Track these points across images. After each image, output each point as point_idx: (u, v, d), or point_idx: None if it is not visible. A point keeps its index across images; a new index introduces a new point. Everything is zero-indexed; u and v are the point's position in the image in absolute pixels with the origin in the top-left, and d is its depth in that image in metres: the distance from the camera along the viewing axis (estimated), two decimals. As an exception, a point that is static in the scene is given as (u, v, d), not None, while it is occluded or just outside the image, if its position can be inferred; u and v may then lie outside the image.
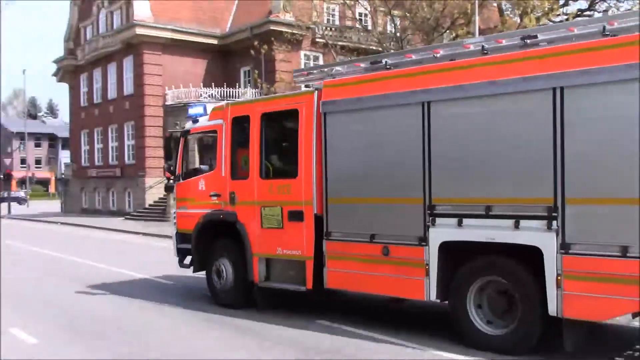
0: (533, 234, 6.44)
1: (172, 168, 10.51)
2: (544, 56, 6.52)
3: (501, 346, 6.80)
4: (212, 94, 31.78)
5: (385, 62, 7.95)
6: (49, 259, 15.46)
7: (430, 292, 7.18)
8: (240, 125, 9.27)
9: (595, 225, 6.09)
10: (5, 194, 50.57)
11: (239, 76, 33.21)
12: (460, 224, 6.93)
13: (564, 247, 6.25)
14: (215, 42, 33.72)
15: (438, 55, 7.51)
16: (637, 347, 6.53)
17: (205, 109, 10.00)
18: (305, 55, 30.98)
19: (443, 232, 7.07)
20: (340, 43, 27.11)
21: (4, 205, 43.41)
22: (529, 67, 6.54)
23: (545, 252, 6.36)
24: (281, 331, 7.90)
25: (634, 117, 5.87)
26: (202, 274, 10.20)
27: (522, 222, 6.50)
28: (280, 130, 9.05)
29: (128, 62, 34.74)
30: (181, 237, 10.28)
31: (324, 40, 26.13)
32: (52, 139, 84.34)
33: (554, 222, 6.33)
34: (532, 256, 6.52)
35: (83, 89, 39.57)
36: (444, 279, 7.15)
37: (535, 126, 6.45)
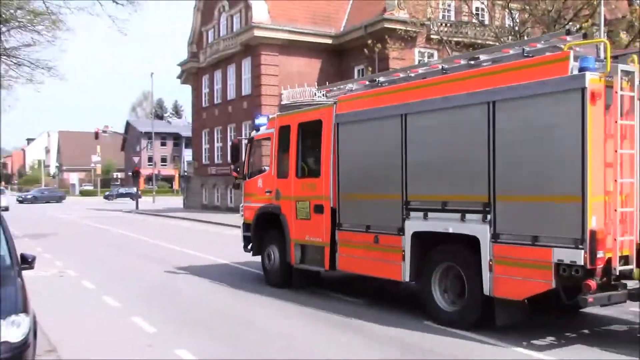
0: (474, 226, 7.79)
1: (238, 169, 12.86)
2: (482, 75, 7.82)
3: (453, 321, 8.18)
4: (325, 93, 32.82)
5: (378, 80, 9.65)
6: (168, 251, 17.10)
7: (406, 274, 8.68)
8: (284, 133, 11.26)
9: (516, 219, 7.34)
10: (131, 190, 55.82)
11: (352, 75, 33.38)
12: (425, 217, 8.44)
13: (495, 237, 7.57)
14: (329, 41, 34.20)
15: (413, 74, 9.05)
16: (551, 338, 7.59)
17: (267, 119, 12.28)
18: (419, 52, 30.82)
19: (414, 224, 8.60)
20: (455, 39, 26.71)
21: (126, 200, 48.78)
22: (472, 84, 7.84)
23: (482, 241, 7.68)
24: (385, 330, 8.19)
25: (548, 126, 7.00)
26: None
27: (467, 216, 7.88)
28: (310, 137, 10.74)
29: (246, 63, 35.70)
30: (246, 226, 12.39)
31: (438, 37, 25.93)
32: (176, 138, 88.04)
33: (488, 216, 7.65)
34: (475, 244, 7.79)
35: (204, 90, 40.98)
36: (416, 264, 8.64)
37: (476, 135, 7.75)
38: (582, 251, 6.78)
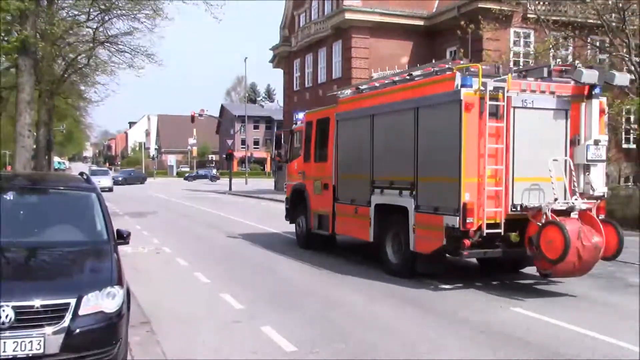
0: (405, 199, 10.85)
1: (281, 154, 16.96)
2: (411, 87, 10.96)
3: (397, 271, 11.22)
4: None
5: (359, 87, 13.01)
6: (261, 232, 17.72)
7: (371, 236, 11.86)
8: (309, 126, 14.83)
9: (427, 194, 10.36)
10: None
11: (444, 56, 32.02)
12: (382, 192, 11.59)
13: (416, 208, 10.59)
14: (421, 23, 33.36)
15: (377, 85, 12.34)
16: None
17: (304, 114, 15.49)
18: (515, 32, 29.73)
19: (376, 198, 11.71)
20: (553, 17, 25.20)
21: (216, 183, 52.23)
22: (406, 94, 11.00)
23: (409, 211, 10.72)
24: (467, 313, 8.64)
25: (443, 127, 9.88)
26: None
27: (403, 192, 10.97)
28: (324, 131, 14.14)
29: (337, 47, 35.42)
30: (286, 201, 15.78)
31: (535, 16, 24.75)
32: (268, 121, 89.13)
33: (413, 192, 10.68)
34: (407, 213, 10.82)
35: (296, 73, 40.84)
36: (377, 228, 11.78)
37: (408, 132, 10.76)
38: (458, 217, 9.76)
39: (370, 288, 10.20)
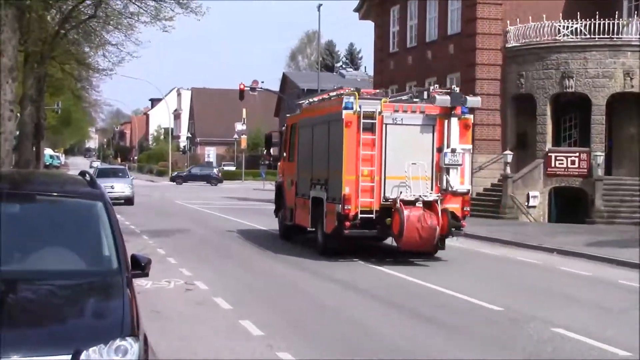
0: (321, 192, 20.76)
1: (271, 154, 27.70)
2: (329, 105, 21.33)
3: (321, 250, 20.56)
4: (576, 29, 31.34)
5: (310, 100, 24.11)
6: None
7: (309, 223, 21.58)
8: (287, 130, 24.74)
9: (333, 188, 20.00)
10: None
11: (619, 3, 32.33)
12: (314, 188, 21.23)
13: (327, 199, 20.32)
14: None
15: (316, 100, 23.48)
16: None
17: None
18: None
19: (312, 192, 21.32)
20: None
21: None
22: (326, 110, 21.25)
23: (324, 201, 20.49)
24: (353, 277, 17.76)
25: (336, 138, 19.84)
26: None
27: (323, 187, 20.70)
28: (292, 134, 24.04)
29: (455, -13, 36.06)
30: (275, 197, 26.49)
31: None
32: None
33: (325, 186, 20.56)
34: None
35: (393, 28, 40.86)
36: (313, 217, 21.34)
37: (325, 140, 20.84)
38: (340, 205, 19.25)
39: (298, 265, 18.76)
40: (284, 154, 24.96)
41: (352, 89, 20.72)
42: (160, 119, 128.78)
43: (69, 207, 6.93)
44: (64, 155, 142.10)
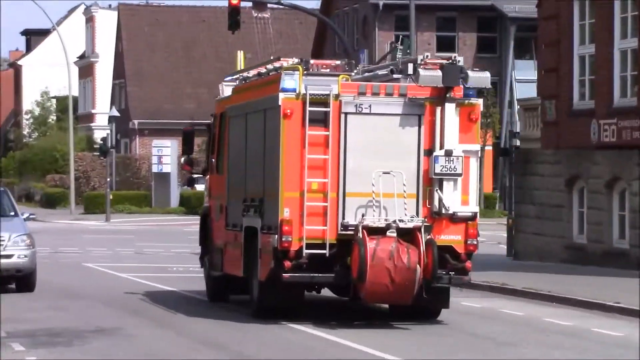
0: (254, 219, 21.52)
1: (191, 161, 28.83)
2: (262, 85, 22.68)
3: (253, 308, 22.25)
4: None
5: (244, 75, 24.62)
6: None
7: (242, 269, 22.55)
8: (215, 123, 26.34)
9: (268, 211, 21.31)
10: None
11: None
12: (248, 212, 22.52)
13: (262, 228, 20.87)
14: None
15: (252, 74, 23.94)
16: None
17: None
18: None
19: (245, 220, 22.30)
20: None
21: None
22: (260, 92, 22.68)
23: (258, 232, 21.35)
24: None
25: (273, 135, 21.03)
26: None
27: (258, 210, 21.69)
28: (221, 130, 25.23)
29: None
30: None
31: None
32: (486, 23, 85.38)
33: (260, 210, 21.45)
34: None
35: None
36: (246, 259, 22.12)
37: (261, 139, 22.03)
38: (277, 236, 19.36)
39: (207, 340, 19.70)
40: (212, 161, 24.85)
41: (297, 60, 21.26)
42: (47, 75, 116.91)
43: None
44: None
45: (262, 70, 22.73)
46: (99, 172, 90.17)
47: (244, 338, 19.10)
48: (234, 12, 48.86)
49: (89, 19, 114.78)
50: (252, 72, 23.57)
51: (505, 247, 40.84)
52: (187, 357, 17.90)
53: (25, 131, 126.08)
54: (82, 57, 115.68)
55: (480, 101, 20.53)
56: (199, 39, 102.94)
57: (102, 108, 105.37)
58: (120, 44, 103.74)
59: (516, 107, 59.65)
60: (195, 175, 30.48)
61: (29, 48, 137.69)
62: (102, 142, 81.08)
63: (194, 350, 18.53)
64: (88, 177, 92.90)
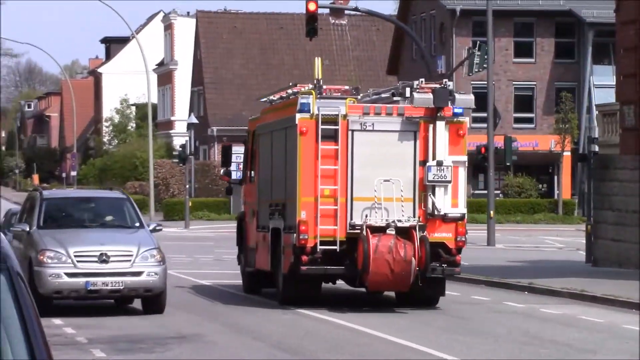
0: (278, 221, 25.89)
1: (229, 172, 35.71)
2: (282, 107, 27.93)
3: (279, 298, 26.61)
4: None
5: (270, 98, 29.69)
6: None
7: (270, 264, 27.19)
8: (248, 139, 31.98)
9: (289, 214, 25.80)
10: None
11: None
12: (275, 215, 27.04)
13: (284, 229, 25.26)
14: None
15: (276, 97, 29.07)
16: None
17: None
18: None
19: (272, 222, 26.86)
20: None
21: None
22: (282, 113, 27.55)
23: (281, 232, 25.78)
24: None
25: (293, 149, 25.05)
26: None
27: (281, 214, 26.19)
28: (253, 145, 30.53)
29: None
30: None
31: None
32: (565, 29, 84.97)
33: (283, 213, 25.98)
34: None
35: None
36: (273, 255, 26.64)
37: (283, 152, 26.92)
38: (295, 234, 23.76)
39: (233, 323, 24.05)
40: (246, 172, 29.27)
41: (310, 86, 25.16)
42: (126, 83, 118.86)
43: None
44: None
45: (284, 94, 26.80)
46: (178, 179, 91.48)
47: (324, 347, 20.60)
48: (311, 19, 48.99)
49: (168, 27, 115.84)
50: (276, 96, 27.88)
51: (584, 253, 40.67)
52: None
53: (105, 138, 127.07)
54: (161, 64, 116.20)
55: (466, 119, 24.79)
56: (277, 46, 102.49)
57: (181, 115, 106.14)
58: (198, 51, 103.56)
59: (595, 112, 59.04)
60: (233, 185, 33.97)
61: (108, 56, 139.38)
62: (181, 149, 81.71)
63: (271, 355, 20.04)
64: (167, 184, 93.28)
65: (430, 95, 23.48)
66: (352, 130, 23.57)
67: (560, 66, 76.88)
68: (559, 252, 46.32)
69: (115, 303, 26.15)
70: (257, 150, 28.07)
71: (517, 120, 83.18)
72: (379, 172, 23.42)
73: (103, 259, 23.98)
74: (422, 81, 25.47)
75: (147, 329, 24.78)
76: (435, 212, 23.20)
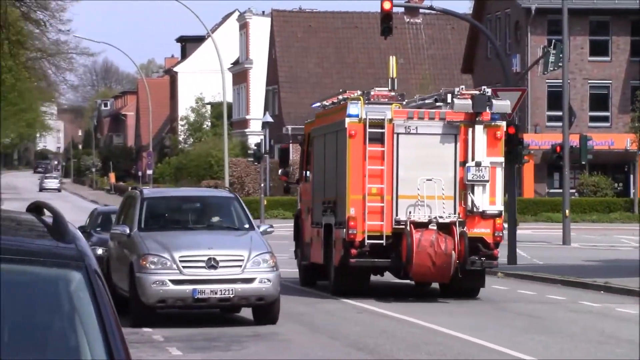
0: (330, 217, 28.41)
1: (287, 173, 42.30)
2: (334, 112, 30.43)
3: (331, 288, 29.37)
4: None
5: (323, 104, 32.31)
6: None
7: (323, 258, 30.17)
8: (304, 141, 35.51)
9: (339, 211, 27.98)
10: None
11: None
12: (327, 212, 29.69)
13: (335, 224, 28.01)
14: None
15: (328, 103, 31.60)
16: None
17: None
18: None
19: (324, 218, 29.79)
20: None
21: None
22: (333, 118, 30.13)
23: (332, 227, 28.48)
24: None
25: (343, 151, 27.73)
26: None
27: (332, 211, 28.71)
28: (309, 147, 33.49)
29: None
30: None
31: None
32: None
33: (334, 210, 28.39)
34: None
35: None
36: (326, 249, 29.32)
37: (334, 154, 29.12)
38: (345, 230, 26.49)
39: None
40: (303, 173, 31.63)
41: (360, 92, 28.05)
42: (202, 82, 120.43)
43: (5, 287, 5.46)
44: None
45: (335, 100, 29.32)
46: (253, 177, 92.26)
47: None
48: (386, 18, 48.00)
49: (243, 26, 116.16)
50: (329, 102, 30.32)
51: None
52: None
53: (181, 137, 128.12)
54: (236, 63, 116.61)
55: (503, 123, 26.84)
56: (352, 45, 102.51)
57: (256, 114, 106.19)
58: (273, 50, 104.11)
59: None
60: (290, 184, 38.15)
61: (184, 55, 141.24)
62: (256, 147, 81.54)
63: (347, 354, 19.99)
64: (242, 182, 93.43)
65: (470, 101, 25.78)
66: (398, 134, 25.82)
67: (636, 64, 76.22)
68: (634, 251, 46.09)
69: (221, 312, 24.43)
70: (312, 152, 30.39)
71: (593, 119, 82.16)
72: (422, 172, 25.56)
73: (211, 264, 22.07)
74: (462, 88, 27.80)
75: (223, 327, 24.30)
76: (474, 210, 25.00)
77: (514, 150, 39.14)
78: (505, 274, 34.74)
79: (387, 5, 47.54)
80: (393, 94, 29.31)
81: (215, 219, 25.07)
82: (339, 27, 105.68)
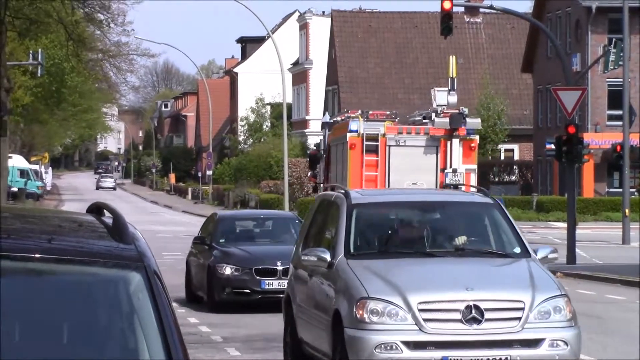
0: None
1: (316, 175, 49.51)
2: (340, 127, 40.33)
3: None
4: None
5: (334, 120, 44.53)
6: None
7: None
8: (327, 147, 46.57)
9: None
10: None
11: None
12: None
13: None
14: None
15: (339, 119, 42.55)
16: None
17: None
18: None
19: None
20: None
21: None
22: (339, 132, 40.20)
23: None
24: None
25: (345, 159, 37.32)
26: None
27: None
28: (329, 154, 43.39)
29: None
30: None
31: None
32: None
33: None
34: None
35: None
36: None
37: (341, 162, 39.07)
38: None
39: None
40: (326, 175, 38.20)
41: (360, 112, 35.63)
42: (262, 82, 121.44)
43: (66, 287, 5.69)
44: (49, 169, 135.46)
45: (343, 117, 37.05)
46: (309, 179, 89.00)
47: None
48: (446, 17, 48.16)
49: (303, 26, 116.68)
50: (340, 118, 38.19)
51: None
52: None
53: (241, 138, 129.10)
54: (295, 63, 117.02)
55: (477, 137, 34.22)
56: (412, 45, 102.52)
57: (316, 114, 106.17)
58: (333, 50, 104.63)
59: None
60: (318, 185, 43.74)
61: (244, 56, 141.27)
62: (315, 147, 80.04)
63: None
64: (301, 183, 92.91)
65: (447, 119, 32.31)
66: (389, 146, 31.96)
67: (695, 64, 75.75)
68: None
69: None
70: (330, 158, 37.23)
71: (653, 118, 79.44)
72: (409, 177, 30.91)
73: (472, 315, 14.14)
74: (444, 108, 34.52)
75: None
76: None
77: (573, 150, 39.01)
78: (565, 273, 34.74)
79: (447, 5, 47.86)
80: (388, 112, 37.39)
81: (463, 239, 16.65)
82: (398, 27, 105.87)
